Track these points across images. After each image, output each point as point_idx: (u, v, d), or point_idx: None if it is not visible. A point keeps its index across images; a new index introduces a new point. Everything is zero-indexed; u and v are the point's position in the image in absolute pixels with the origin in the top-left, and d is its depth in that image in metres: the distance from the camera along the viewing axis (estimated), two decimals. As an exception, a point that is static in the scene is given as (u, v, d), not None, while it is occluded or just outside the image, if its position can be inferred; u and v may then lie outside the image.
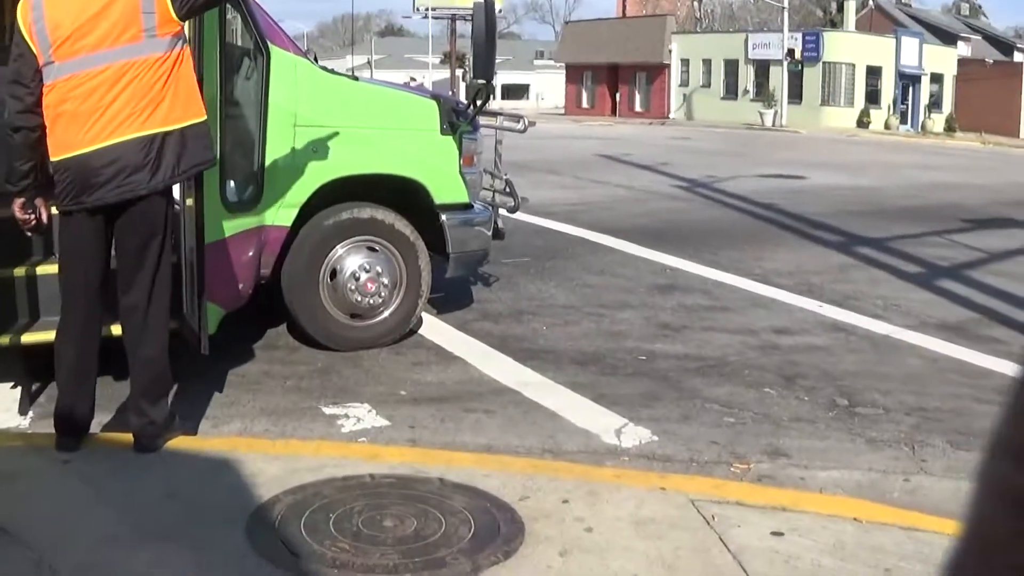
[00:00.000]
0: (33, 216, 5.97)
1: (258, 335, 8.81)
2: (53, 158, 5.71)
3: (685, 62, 76.13)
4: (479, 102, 8.91)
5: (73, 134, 5.60)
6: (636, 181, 23.72)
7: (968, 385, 8.09)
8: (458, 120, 8.83)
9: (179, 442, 6.07)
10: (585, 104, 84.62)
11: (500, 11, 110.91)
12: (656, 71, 77.50)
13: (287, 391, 7.51)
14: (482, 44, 8.51)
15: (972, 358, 8.83)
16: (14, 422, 6.79)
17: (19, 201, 5.90)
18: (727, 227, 16.50)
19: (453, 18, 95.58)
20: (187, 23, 6.36)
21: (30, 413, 6.90)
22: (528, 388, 7.70)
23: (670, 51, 76.61)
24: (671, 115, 75.29)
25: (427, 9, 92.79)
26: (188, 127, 5.74)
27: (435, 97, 9.11)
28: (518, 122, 10.40)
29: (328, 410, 7.10)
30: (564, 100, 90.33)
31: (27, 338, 6.91)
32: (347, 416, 6.99)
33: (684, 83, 76.10)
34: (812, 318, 10.10)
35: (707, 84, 74.44)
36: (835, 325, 9.84)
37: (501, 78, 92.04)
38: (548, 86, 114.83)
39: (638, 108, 78.61)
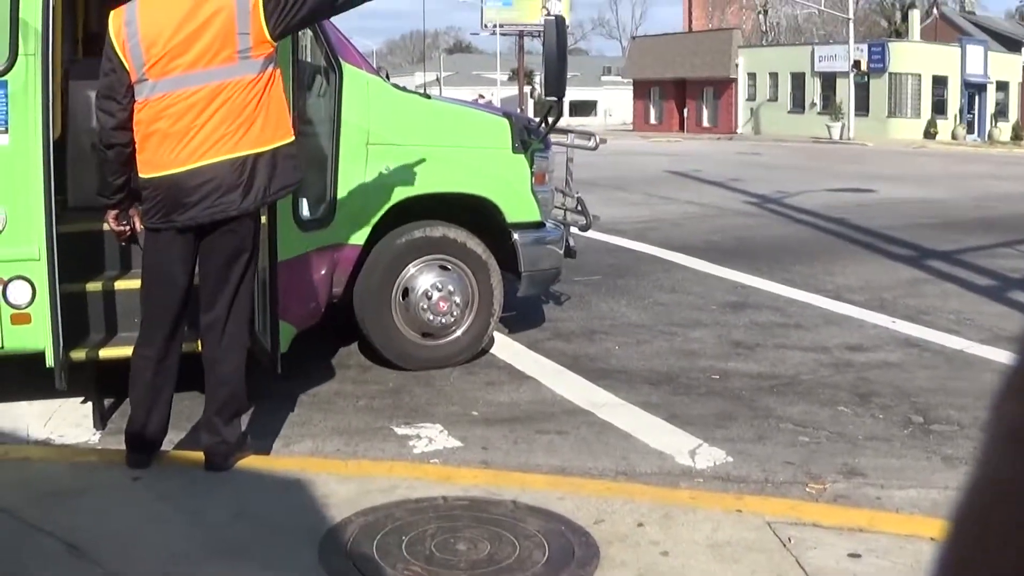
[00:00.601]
0: (128, 227, 6.08)
1: (329, 354, 8.82)
2: (143, 175, 5.71)
3: (752, 76, 75.94)
4: (551, 120, 8.90)
5: (165, 153, 5.61)
6: (705, 197, 23.64)
7: (1046, 399, 7.96)
8: (530, 138, 8.82)
9: (250, 461, 6.08)
10: (653, 120, 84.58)
11: (568, 27, 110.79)
12: (723, 85, 77.33)
13: (359, 411, 7.52)
14: (553, 61, 8.49)
15: (1048, 371, 8.70)
16: (85, 437, 6.86)
17: (113, 213, 6.05)
18: (798, 243, 16.40)
19: (521, 34, 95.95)
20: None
21: (102, 428, 6.94)
22: (601, 408, 7.65)
23: (737, 65, 76.43)
24: (739, 130, 75.10)
25: (495, 26, 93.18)
26: (279, 148, 5.76)
27: (506, 115, 9.11)
28: (589, 139, 10.37)
29: (400, 430, 7.11)
30: (632, 116, 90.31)
31: (104, 353, 6.97)
32: (419, 437, 6.99)
33: (751, 97, 75.91)
34: (885, 334, 10.00)
35: (774, 98, 74.21)
36: (908, 341, 9.74)
37: (569, 94, 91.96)
38: (616, 102, 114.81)
39: (706, 123, 78.46)
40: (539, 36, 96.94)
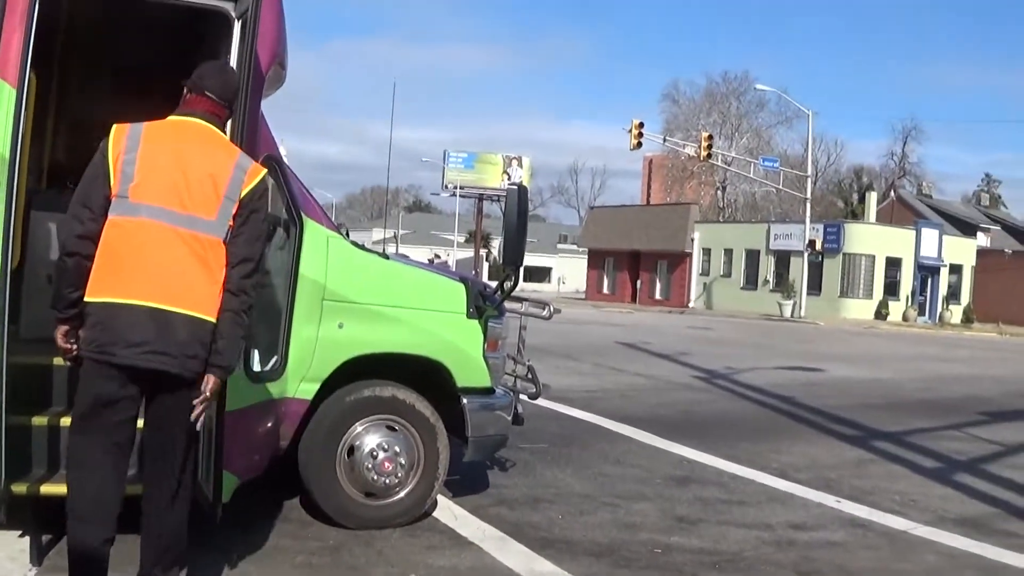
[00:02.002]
0: (76, 346, 5.74)
1: (271, 507, 8.72)
2: (90, 298, 5.54)
3: (707, 251, 76.92)
4: (507, 287, 8.97)
5: (118, 279, 5.49)
6: (655, 370, 23.80)
7: (986, 582, 7.99)
8: (485, 304, 8.87)
9: (185, 615, 6.00)
10: (606, 290, 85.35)
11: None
12: (678, 259, 78.22)
13: (296, 567, 7.40)
14: (513, 230, 8.56)
15: (991, 553, 8.76)
16: (20, 572, 6.74)
17: (63, 329, 5.73)
18: (745, 419, 16.49)
19: (480, 198, 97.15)
20: None
21: (38, 564, 6.83)
22: (542, 579, 7.57)
23: (692, 240, 77.35)
24: (691, 304, 75.80)
25: (455, 187, 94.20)
26: (219, 324, 5.69)
27: (463, 280, 9.15)
28: (543, 309, 10.44)
29: (338, 590, 7.01)
30: (585, 284, 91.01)
31: (45, 489, 6.87)
32: (357, 597, 6.89)
33: (705, 272, 76.81)
34: (829, 513, 10.00)
35: (727, 273, 75.11)
36: (852, 521, 9.74)
37: (524, 260, 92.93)
38: (570, 270, 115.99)
39: (658, 296, 79.24)
40: (498, 200, 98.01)
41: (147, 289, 5.50)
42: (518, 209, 8.55)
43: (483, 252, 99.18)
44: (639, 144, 62.76)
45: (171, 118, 5.92)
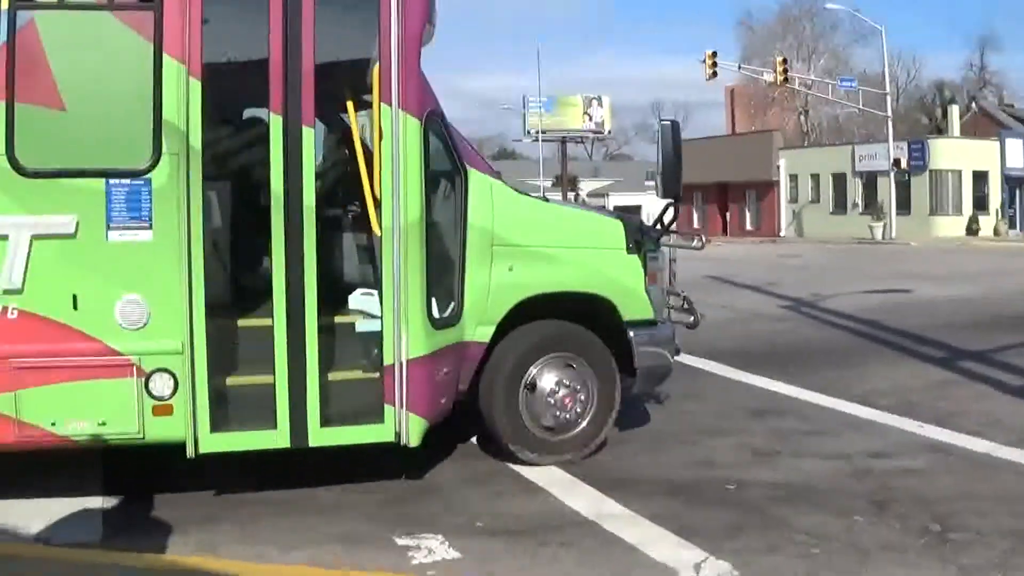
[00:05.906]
0: None
1: (335, 459, 8.56)
2: None
3: (793, 177, 75.86)
4: (666, 220, 9.22)
5: None
6: (740, 302, 23.85)
7: (1071, 502, 7.83)
8: (643, 239, 9.26)
9: (242, 568, 6.33)
10: (696, 224, 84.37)
11: (610, 132, 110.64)
12: (765, 188, 77.31)
13: (362, 518, 7.62)
14: (670, 163, 9.17)
15: (1077, 472, 8.59)
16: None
17: None
18: (829, 346, 16.57)
19: (563, 140, 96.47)
20: (379, 141, 7.10)
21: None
22: (609, 520, 7.57)
23: (778, 167, 76.40)
24: (782, 232, 74.90)
25: (538, 132, 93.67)
26: None
27: (619, 217, 9.65)
28: (694, 239, 10.56)
29: (401, 540, 7.09)
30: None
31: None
32: (419, 547, 6.95)
33: (793, 199, 75.79)
34: (909, 439, 9.92)
35: (816, 199, 74.05)
36: (933, 446, 9.66)
37: (613, 199, 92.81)
38: (659, 206, 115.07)
39: (748, 226, 78.34)
40: (581, 142, 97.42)
41: None
42: (672, 143, 9.13)
43: (571, 195, 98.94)
44: (714, 74, 62.19)
45: None
